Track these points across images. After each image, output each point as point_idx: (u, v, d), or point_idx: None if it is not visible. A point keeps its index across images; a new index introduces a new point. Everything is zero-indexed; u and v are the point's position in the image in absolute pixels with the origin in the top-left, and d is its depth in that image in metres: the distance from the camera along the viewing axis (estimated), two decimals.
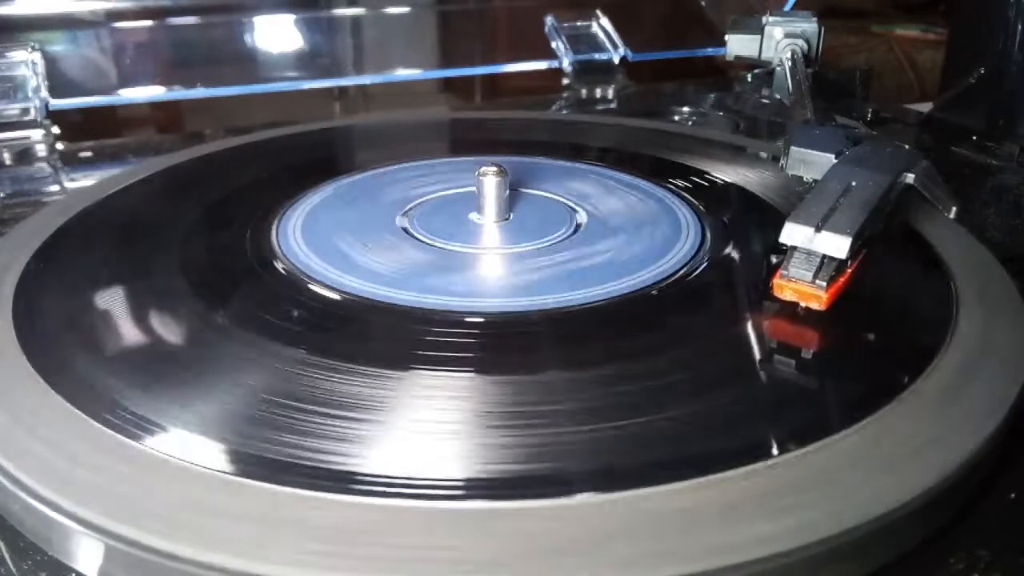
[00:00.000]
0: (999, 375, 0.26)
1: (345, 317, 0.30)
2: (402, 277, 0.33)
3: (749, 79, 0.72)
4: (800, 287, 0.30)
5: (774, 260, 0.31)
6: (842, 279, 0.30)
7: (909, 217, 0.37)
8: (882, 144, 0.37)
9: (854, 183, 0.32)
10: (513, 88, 0.85)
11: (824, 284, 0.29)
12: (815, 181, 0.34)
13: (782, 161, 0.38)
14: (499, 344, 0.29)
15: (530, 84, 0.78)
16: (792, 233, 0.30)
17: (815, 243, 0.30)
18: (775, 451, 0.23)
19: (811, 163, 0.37)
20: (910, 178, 0.34)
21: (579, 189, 0.42)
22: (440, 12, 0.79)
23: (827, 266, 0.30)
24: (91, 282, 0.33)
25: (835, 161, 0.35)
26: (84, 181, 0.51)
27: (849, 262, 0.30)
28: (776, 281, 0.30)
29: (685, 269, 0.33)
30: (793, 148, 0.37)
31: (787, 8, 0.76)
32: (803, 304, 0.30)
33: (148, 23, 0.66)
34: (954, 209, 0.35)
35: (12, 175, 0.52)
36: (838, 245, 0.29)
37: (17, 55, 0.58)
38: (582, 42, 0.75)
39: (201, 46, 0.68)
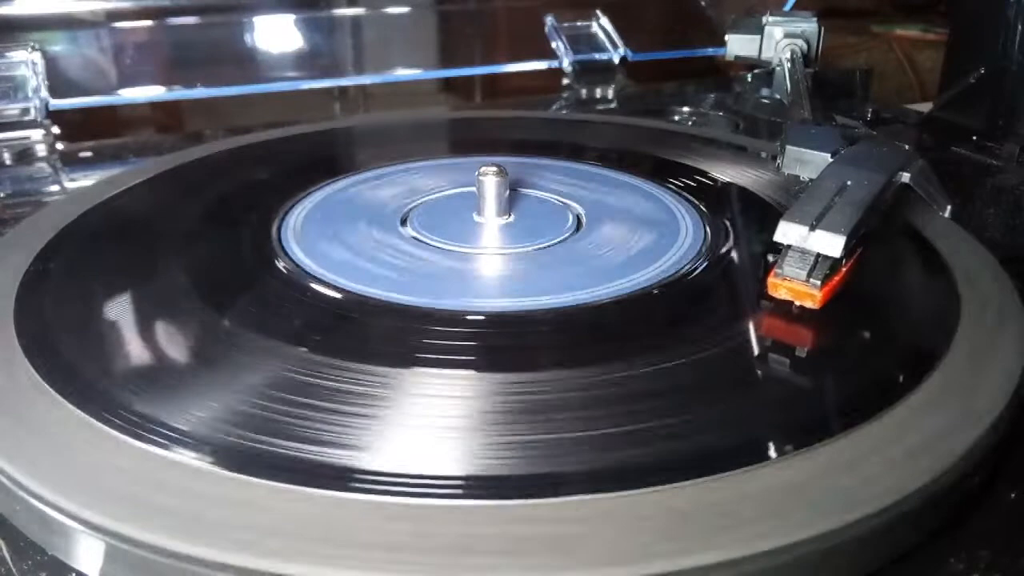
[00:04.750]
0: (998, 375, 0.26)
1: (346, 316, 0.30)
2: (403, 277, 0.33)
3: (749, 79, 0.72)
4: (794, 286, 0.30)
5: (771, 259, 0.31)
6: (837, 278, 0.30)
7: (908, 216, 0.37)
8: (878, 143, 0.37)
9: (849, 182, 0.32)
10: (513, 88, 0.85)
11: (818, 283, 0.29)
12: (811, 180, 0.34)
13: (778, 160, 0.38)
14: (499, 343, 0.29)
15: (530, 84, 0.78)
16: (786, 232, 0.30)
17: (809, 242, 0.30)
18: (775, 451, 0.23)
19: (807, 162, 0.37)
20: (905, 177, 0.34)
21: (579, 189, 0.42)
22: (440, 12, 0.79)
23: (821, 265, 0.30)
24: (92, 283, 0.33)
25: (831, 160, 0.36)
26: (84, 181, 0.51)
27: (844, 261, 0.30)
28: (771, 280, 0.30)
29: (685, 269, 0.34)
30: (789, 147, 0.37)
31: (787, 8, 0.76)
32: (798, 303, 0.30)
33: (148, 23, 0.66)
34: (949, 208, 0.35)
35: (12, 175, 0.52)
36: (832, 244, 0.29)
37: (17, 55, 0.58)
38: (582, 42, 0.75)
39: (201, 46, 0.68)
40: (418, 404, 0.25)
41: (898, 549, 0.22)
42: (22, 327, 0.29)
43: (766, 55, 0.61)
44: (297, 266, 0.33)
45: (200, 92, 0.65)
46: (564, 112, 0.67)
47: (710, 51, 0.79)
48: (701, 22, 0.84)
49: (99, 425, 0.24)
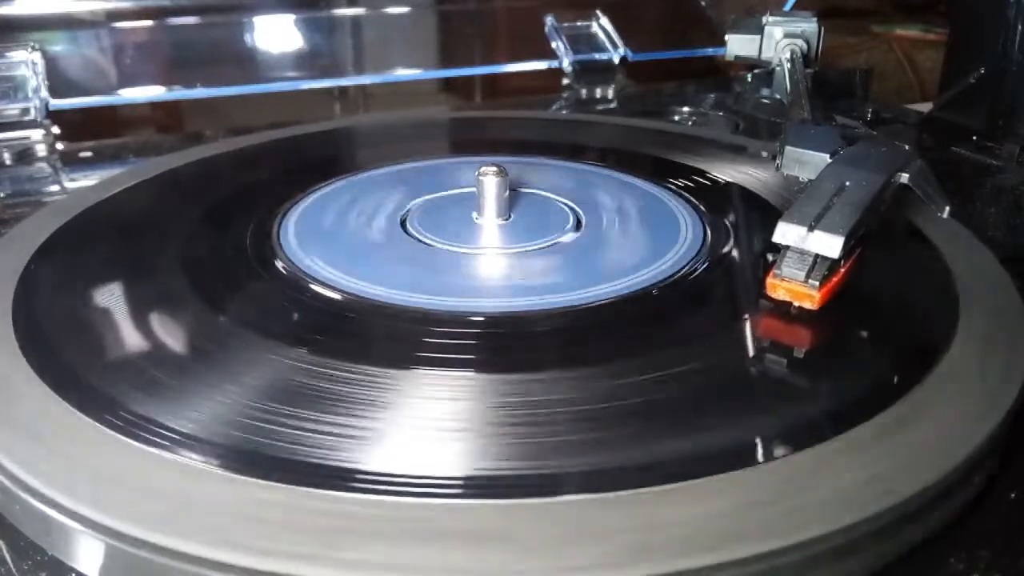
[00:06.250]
0: (998, 375, 0.26)
1: (345, 317, 0.30)
2: (402, 277, 0.33)
3: (749, 79, 0.72)
4: (793, 286, 0.30)
5: (770, 259, 0.31)
6: (835, 278, 0.30)
7: (908, 216, 0.37)
8: (877, 144, 0.37)
9: (848, 183, 0.32)
10: (513, 88, 0.85)
11: (816, 284, 0.29)
12: (810, 181, 0.34)
13: (777, 161, 0.38)
14: (499, 344, 0.29)
15: (530, 84, 0.78)
16: (785, 232, 0.30)
17: (808, 242, 0.30)
18: (773, 452, 0.23)
19: (806, 163, 0.37)
20: (904, 177, 0.34)
21: (579, 189, 0.42)
22: (440, 12, 0.79)
23: (820, 266, 0.30)
24: (91, 282, 0.33)
25: (830, 161, 0.36)
26: (84, 181, 0.51)
27: (842, 261, 0.30)
28: (769, 280, 0.30)
29: (685, 269, 0.34)
30: (788, 148, 0.37)
31: (787, 8, 0.76)
32: (796, 304, 0.30)
33: (148, 23, 0.66)
34: (947, 208, 0.35)
35: (12, 175, 0.52)
36: (831, 244, 0.29)
37: (17, 55, 0.58)
38: (582, 42, 0.75)
39: (201, 46, 0.68)
40: (418, 405, 0.25)
41: (898, 549, 0.22)
42: (21, 327, 0.29)
43: (766, 55, 0.61)
44: (296, 266, 0.33)
45: (200, 92, 0.65)
46: (564, 112, 0.67)
47: (710, 51, 0.79)
48: (701, 22, 0.84)
49: (98, 425, 0.24)
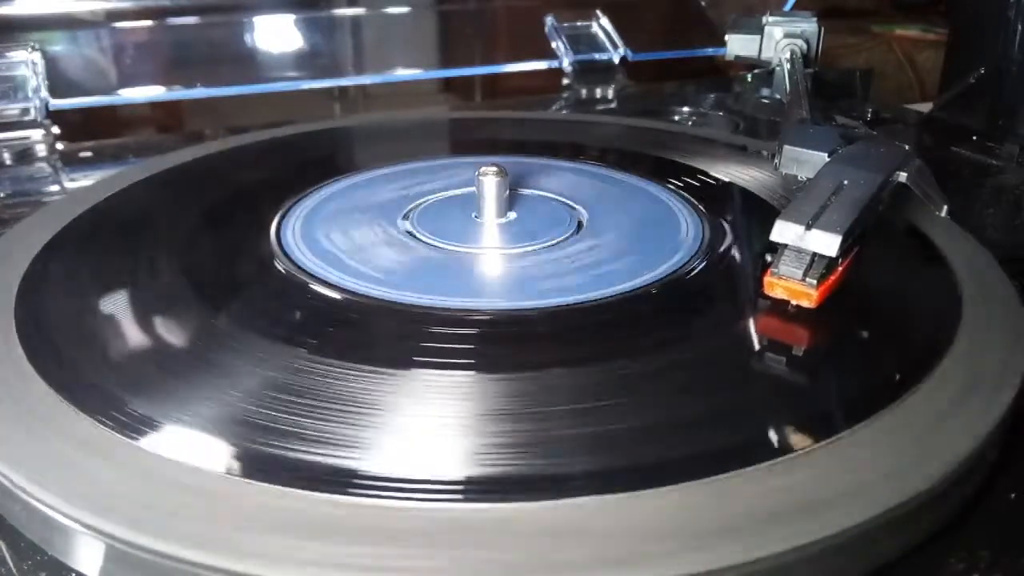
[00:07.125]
0: (998, 375, 0.26)
1: (345, 317, 0.30)
2: (402, 277, 0.33)
3: (749, 79, 0.72)
4: (790, 285, 0.30)
5: (768, 258, 0.31)
6: (833, 277, 0.30)
7: (907, 216, 0.37)
8: (875, 143, 0.37)
9: (846, 182, 0.32)
10: (513, 88, 0.85)
11: (814, 282, 0.29)
12: (809, 180, 0.34)
13: (776, 160, 0.38)
14: (499, 343, 0.29)
15: (530, 84, 0.78)
16: (783, 231, 0.30)
17: (805, 241, 0.30)
18: (771, 451, 0.23)
19: (804, 162, 0.37)
20: (902, 177, 0.34)
21: (579, 189, 0.42)
22: (440, 12, 0.79)
23: (817, 264, 0.30)
24: (92, 282, 0.33)
25: (828, 160, 0.36)
26: (84, 181, 0.51)
27: (840, 260, 0.30)
28: (767, 279, 0.30)
29: (683, 268, 0.34)
30: (786, 147, 0.37)
31: (787, 8, 0.76)
32: (794, 302, 0.30)
33: (148, 23, 0.66)
34: (945, 208, 0.35)
35: (12, 175, 0.52)
36: (828, 243, 0.29)
37: (17, 55, 0.58)
38: (582, 42, 0.75)
39: (201, 46, 0.68)
40: (417, 404, 0.25)
41: (899, 549, 0.22)
42: (23, 327, 0.29)
43: (766, 55, 0.61)
44: (297, 266, 0.33)
45: (200, 92, 0.65)
46: (564, 112, 0.67)
47: (710, 51, 0.79)
48: (701, 22, 0.84)
49: (99, 426, 0.24)
